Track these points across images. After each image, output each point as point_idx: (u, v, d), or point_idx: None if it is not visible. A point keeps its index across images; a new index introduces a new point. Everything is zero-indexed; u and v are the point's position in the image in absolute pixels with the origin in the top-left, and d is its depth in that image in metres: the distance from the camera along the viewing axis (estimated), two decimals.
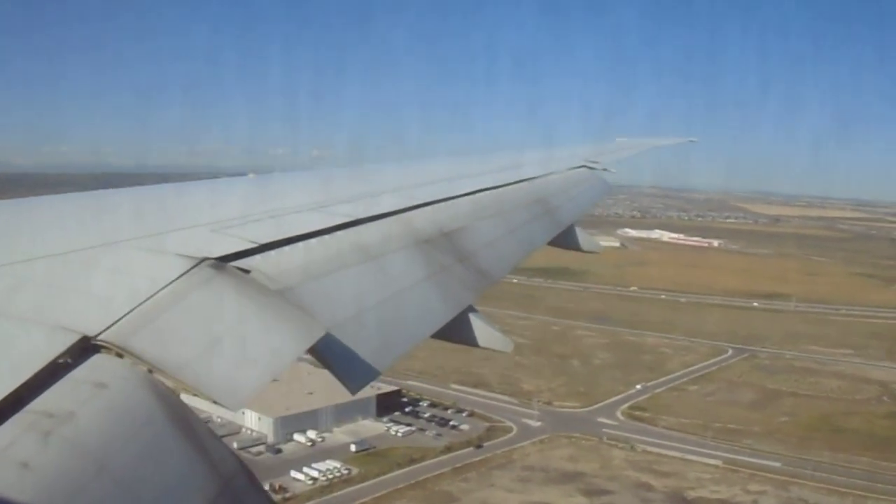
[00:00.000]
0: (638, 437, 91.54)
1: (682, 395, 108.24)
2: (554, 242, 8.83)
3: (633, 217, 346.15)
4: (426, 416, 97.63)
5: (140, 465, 2.56)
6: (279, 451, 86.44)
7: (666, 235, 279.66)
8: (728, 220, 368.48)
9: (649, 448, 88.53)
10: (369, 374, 3.90)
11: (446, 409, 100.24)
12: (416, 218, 6.16)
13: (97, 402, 2.62)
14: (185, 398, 3.24)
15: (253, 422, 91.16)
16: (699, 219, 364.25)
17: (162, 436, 2.71)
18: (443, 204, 6.84)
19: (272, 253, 4.32)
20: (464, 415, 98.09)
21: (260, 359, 3.33)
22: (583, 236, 9.85)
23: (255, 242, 4.33)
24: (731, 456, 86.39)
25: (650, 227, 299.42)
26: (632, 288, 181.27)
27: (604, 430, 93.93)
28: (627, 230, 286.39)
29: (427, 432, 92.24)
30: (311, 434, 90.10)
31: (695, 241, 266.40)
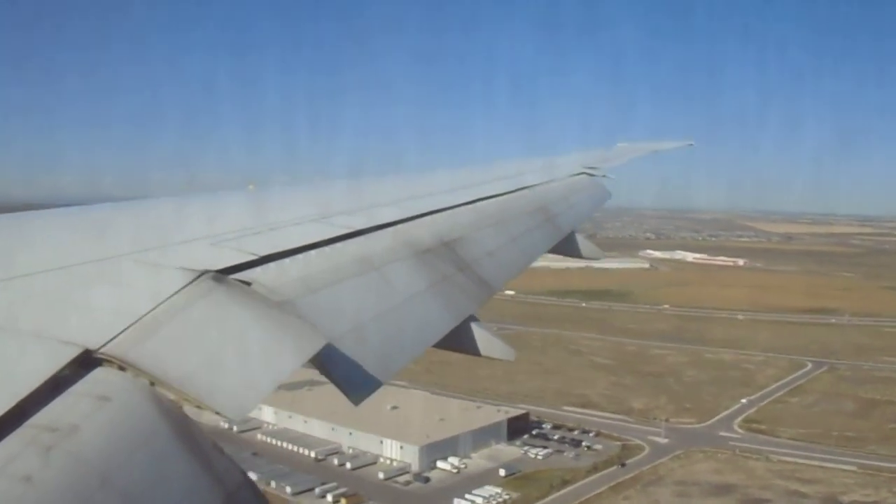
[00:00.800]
0: (766, 448, 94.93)
1: (787, 407, 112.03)
2: (555, 250, 8.90)
3: (647, 238, 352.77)
4: (556, 437, 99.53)
5: (143, 478, 2.55)
6: (427, 479, 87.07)
7: (689, 256, 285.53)
8: (741, 239, 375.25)
9: (783, 458, 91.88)
10: (372, 385, 3.92)
11: (571, 430, 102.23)
12: (416, 228, 6.16)
13: (100, 415, 2.61)
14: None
15: (393, 451, 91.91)
16: (712, 238, 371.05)
17: (165, 448, 2.72)
18: (443, 213, 6.86)
19: (273, 265, 4.35)
20: (591, 435, 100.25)
21: (261, 370, 3.35)
22: (583, 243, 9.90)
23: (256, 255, 4.35)
24: (863, 461, 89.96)
25: (670, 248, 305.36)
26: (663, 306, 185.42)
27: (730, 442, 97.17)
28: (650, 251, 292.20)
29: (565, 454, 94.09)
30: (454, 461, 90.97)
31: (720, 260, 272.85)
